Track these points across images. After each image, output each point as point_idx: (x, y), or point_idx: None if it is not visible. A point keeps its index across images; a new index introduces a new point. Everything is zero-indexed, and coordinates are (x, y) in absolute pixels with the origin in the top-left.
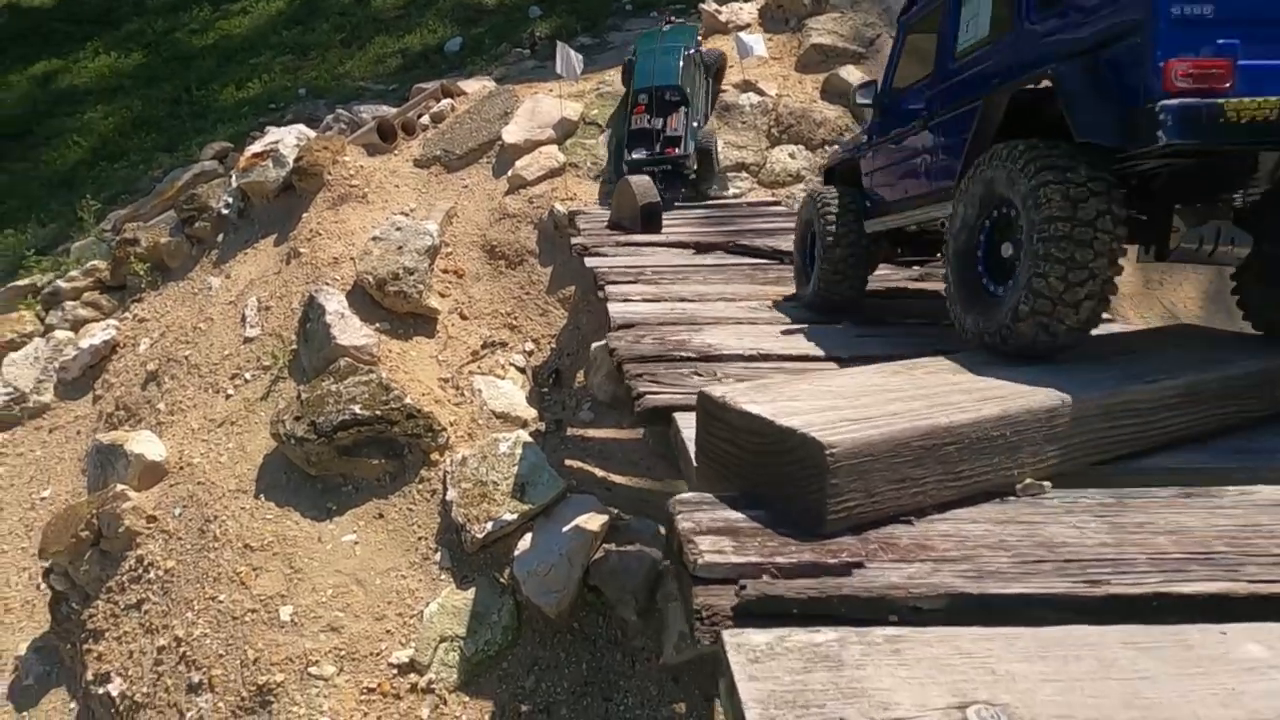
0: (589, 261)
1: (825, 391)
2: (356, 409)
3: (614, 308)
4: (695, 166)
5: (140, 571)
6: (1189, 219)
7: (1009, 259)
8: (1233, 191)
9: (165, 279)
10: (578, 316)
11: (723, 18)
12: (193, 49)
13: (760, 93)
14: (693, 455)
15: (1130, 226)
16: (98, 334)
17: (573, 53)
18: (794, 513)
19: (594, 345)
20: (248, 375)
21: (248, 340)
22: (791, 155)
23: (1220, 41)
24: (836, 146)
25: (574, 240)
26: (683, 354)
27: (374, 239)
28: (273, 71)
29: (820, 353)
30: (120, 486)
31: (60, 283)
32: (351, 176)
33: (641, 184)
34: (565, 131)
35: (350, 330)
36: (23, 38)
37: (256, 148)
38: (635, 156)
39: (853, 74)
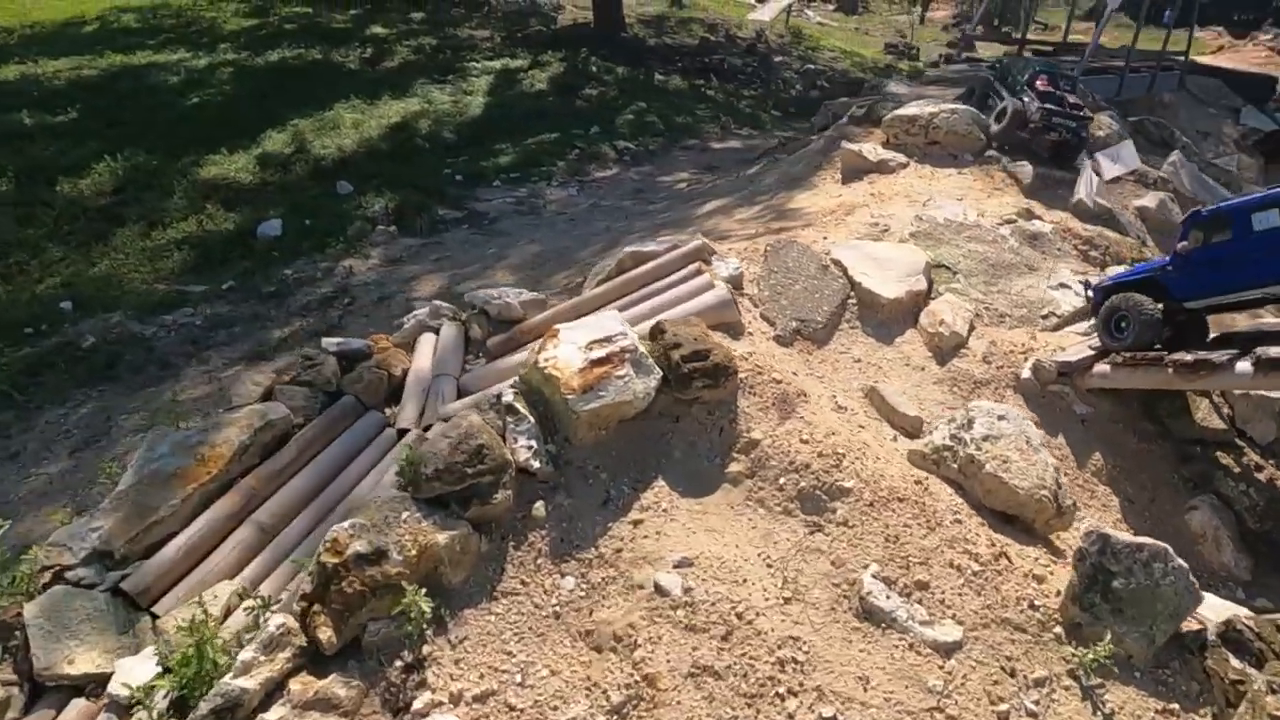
0: None
1: None
2: None
3: None
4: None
5: None
6: None
7: None
8: None
9: None
10: None
11: (872, 157)
12: None
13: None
14: None
15: None
16: None
17: (1127, 146)
18: None
19: None
20: None
21: None
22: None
23: None
24: (1097, 280)
25: None
26: None
27: None
28: None
29: None
30: None
31: None
32: (778, 379)
33: None
34: (929, 276)
35: None
36: None
37: None
38: (1050, 106)
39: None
